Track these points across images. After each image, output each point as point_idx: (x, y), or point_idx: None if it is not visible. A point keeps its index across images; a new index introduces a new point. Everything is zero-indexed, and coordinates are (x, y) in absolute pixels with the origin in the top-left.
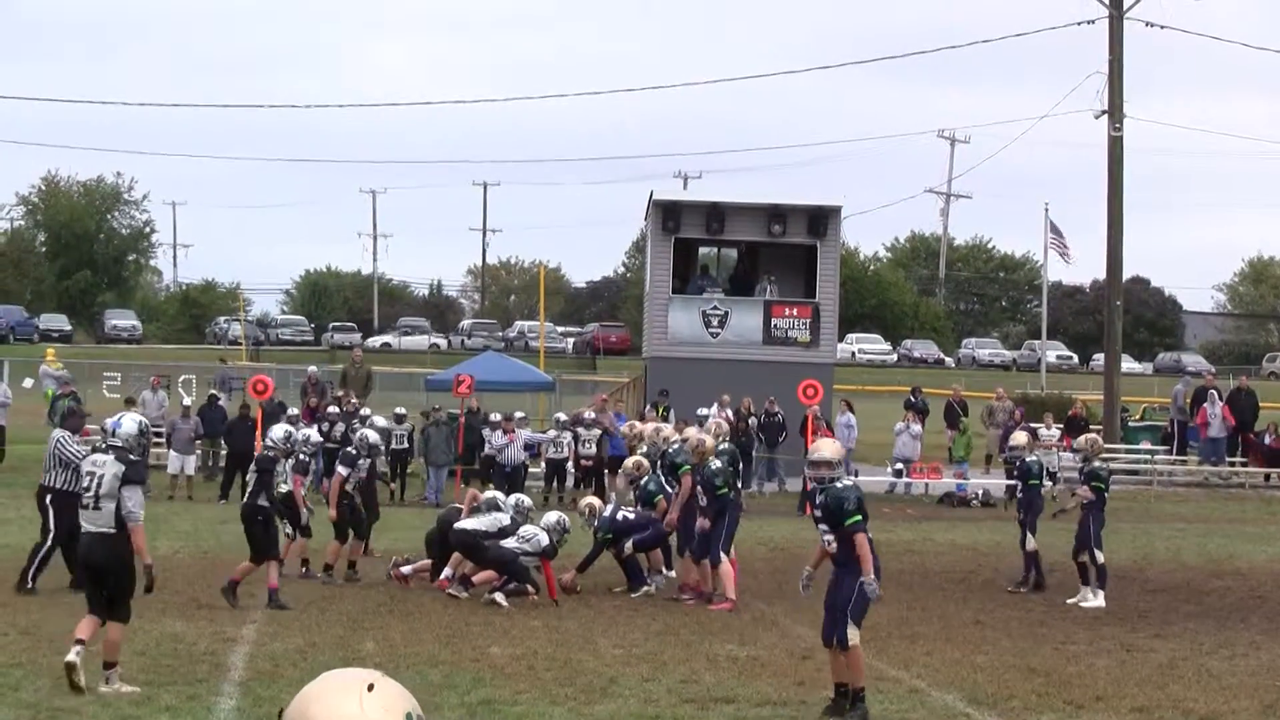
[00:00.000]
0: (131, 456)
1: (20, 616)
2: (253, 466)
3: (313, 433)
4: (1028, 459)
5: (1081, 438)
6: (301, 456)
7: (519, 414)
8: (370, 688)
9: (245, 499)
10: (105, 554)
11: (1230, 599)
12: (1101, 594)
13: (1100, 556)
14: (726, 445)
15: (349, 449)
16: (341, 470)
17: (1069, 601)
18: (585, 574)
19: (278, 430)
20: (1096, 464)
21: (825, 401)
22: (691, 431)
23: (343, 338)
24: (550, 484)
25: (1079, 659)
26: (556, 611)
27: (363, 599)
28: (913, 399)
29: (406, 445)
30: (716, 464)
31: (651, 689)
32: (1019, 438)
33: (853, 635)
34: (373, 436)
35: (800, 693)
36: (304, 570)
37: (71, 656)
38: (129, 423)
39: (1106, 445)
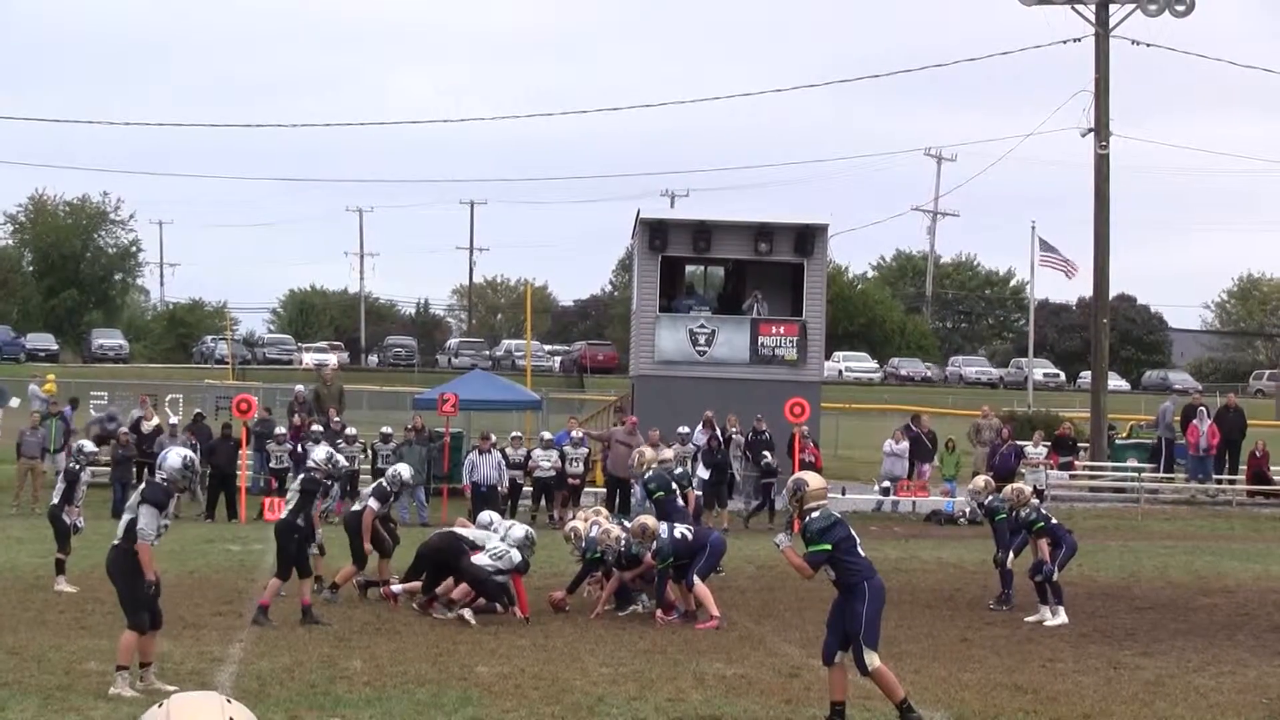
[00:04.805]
0: (158, 478)
1: (7, 636)
2: (296, 485)
3: (340, 457)
4: (985, 501)
5: (1007, 488)
6: (331, 470)
7: (514, 434)
8: (229, 701)
9: (283, 516)
10: (110, 562)
11: (1218, 616)
12: (1062, 610)
13: (1056, 575)
14: (654, 470)
15: (383, 483)
16: (373, 504)
17: (1028, 620)
18: (574, 594)
19: (319, 452)
20: (1023, 512)
21: (813, 420)
22: (649, 452)
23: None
24: (538, 502)
25: (1066, 677)
26: (544, 630)
27: (349, 618)
28: (912, 427)
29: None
30: (650, 472)
31: (639, 707)
32: (976, 483)
33: (872, 660)
34: (406, 473)
35: (787, 711)
36: (316, 588)
37: (119, 689)
38: (174, 456)
39: (1094, 463)
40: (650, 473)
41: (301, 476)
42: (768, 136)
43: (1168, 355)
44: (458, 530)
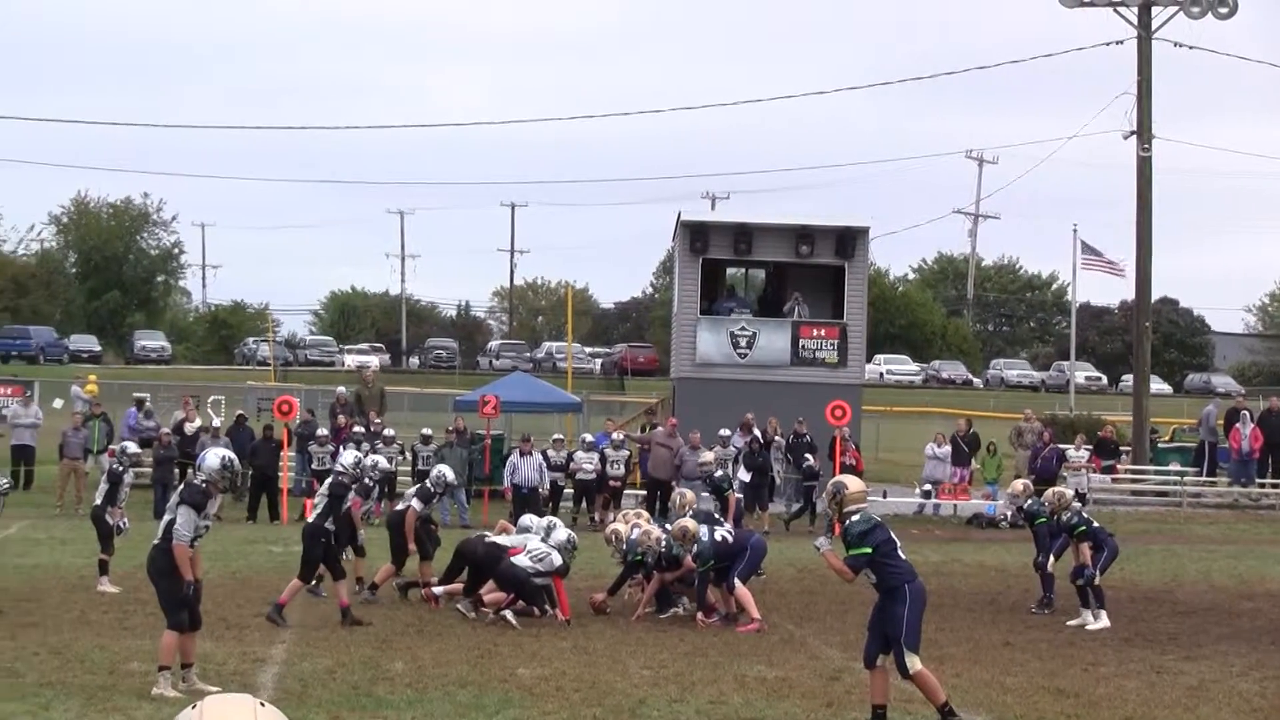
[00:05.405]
0: (198, 480)
1: (51, 636)
2: (324, 489)
3: (381, 459)
4: (1024, 505)
5: (1047, 492)
6: (367, 481)
7: (556, 436)
8: (262, 705)
9: (311, 519)
10: (149, 563)
11: (1261, 621)
12: (1104, 614)
13: (1097, 579)
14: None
15: (426, 485)
16: (416, 505)
17: (1070, 624)
18: (614, 596)
19: (347, 456)
20: (1065, 516)
21: (854, 422)
22: (689, 494)
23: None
24: (579, 505)
25: (1108, 681)
26: (585, 632)
27: (391, 620)
28: (960, 434)
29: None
30: (689, 511)
31: (680, 710)
32: (1016, 486)
33: (913, 663)
34: (450, 475)
35: (829, 714)
36: (357, 589)
37: (161, 689)
38: (212, 457)
39: (1136, 466)
40: (690, 512)
41: (329, 480)
42: (809, 139)
43: (1210, 358)
44: (497, 538)
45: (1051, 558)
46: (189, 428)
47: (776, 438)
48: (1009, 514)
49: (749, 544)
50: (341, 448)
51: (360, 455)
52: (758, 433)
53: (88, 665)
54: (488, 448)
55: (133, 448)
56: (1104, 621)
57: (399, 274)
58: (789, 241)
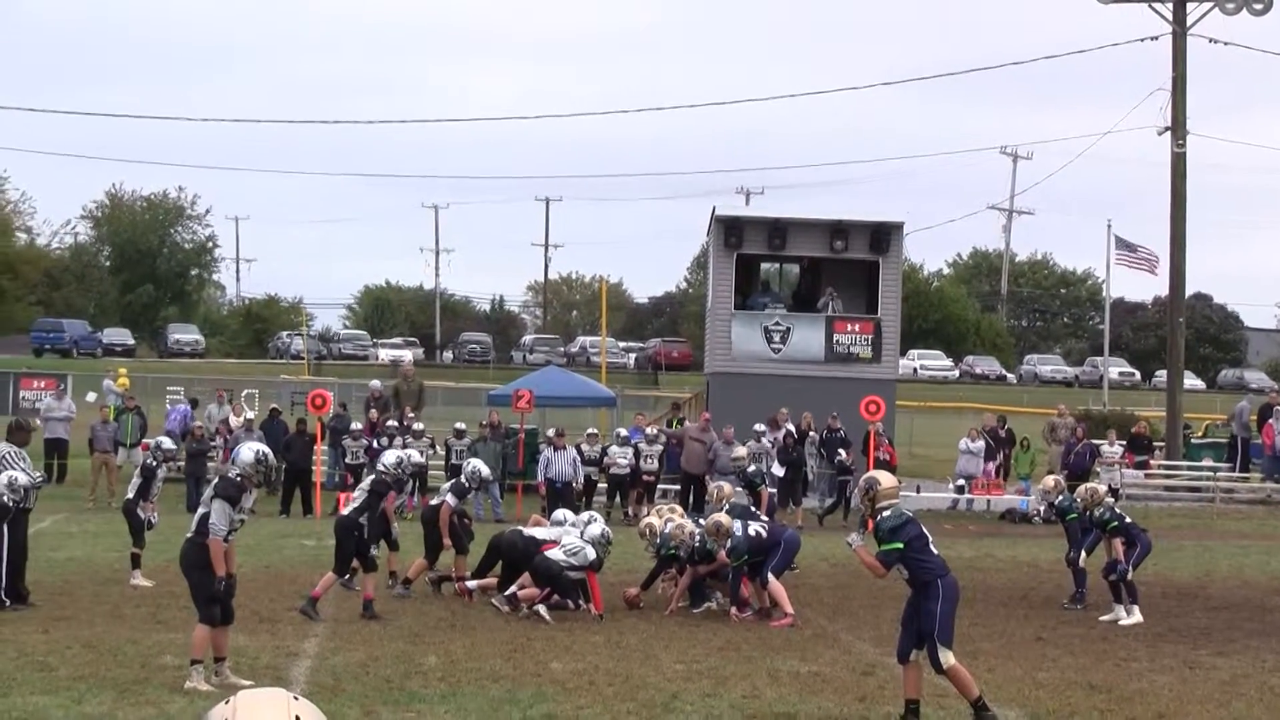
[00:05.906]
0: (233, 474)
1: (84, 630)
2: (364, 485)
3: (414, 453)
4: (1055, 501)
5: (1080, 488)
6: (400, 475)
7: (590, 430)
8: (295, 698)
9: (346, 512)
10: (182, 556)
11: None
12: (1137, 609)
13: (1130, 574)
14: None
15: (461, 480)
16: (451, 500)
17: (1102, 619)
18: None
19: (389, 456)
20: (1098, 511)
21: (888, 418)
22: (726, 488)
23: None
24: (612, 499)
25: (1141, 676)
26: (618, 626)
27: (424, 614)
28: (987, 429)
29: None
30: (726, 506)
31: (713, 704)
32: (1047, 482)
33: (946, 658)
34: (486, 470)
35: (861, 709)
36: (390, 583)
37: (194, 682)
38: (246, 451)
39: (1169, 462)
40: (727, 505)
41: (371, 478)
42: (843, 134)
43: (1243, 354)
44: (533, 531)
45: (1084, 553)
46: (234, 422)
47: (810, 432)
48: (1042, 509)
49: (783, 539)
50: (375, 443)
51: (403, 455)
52: (790, 427)
53: (120, 659)
54: (521, 442)
55: (167, 443)
56: (1136, 617)
57: (433, 268)
58: (823, 237)
